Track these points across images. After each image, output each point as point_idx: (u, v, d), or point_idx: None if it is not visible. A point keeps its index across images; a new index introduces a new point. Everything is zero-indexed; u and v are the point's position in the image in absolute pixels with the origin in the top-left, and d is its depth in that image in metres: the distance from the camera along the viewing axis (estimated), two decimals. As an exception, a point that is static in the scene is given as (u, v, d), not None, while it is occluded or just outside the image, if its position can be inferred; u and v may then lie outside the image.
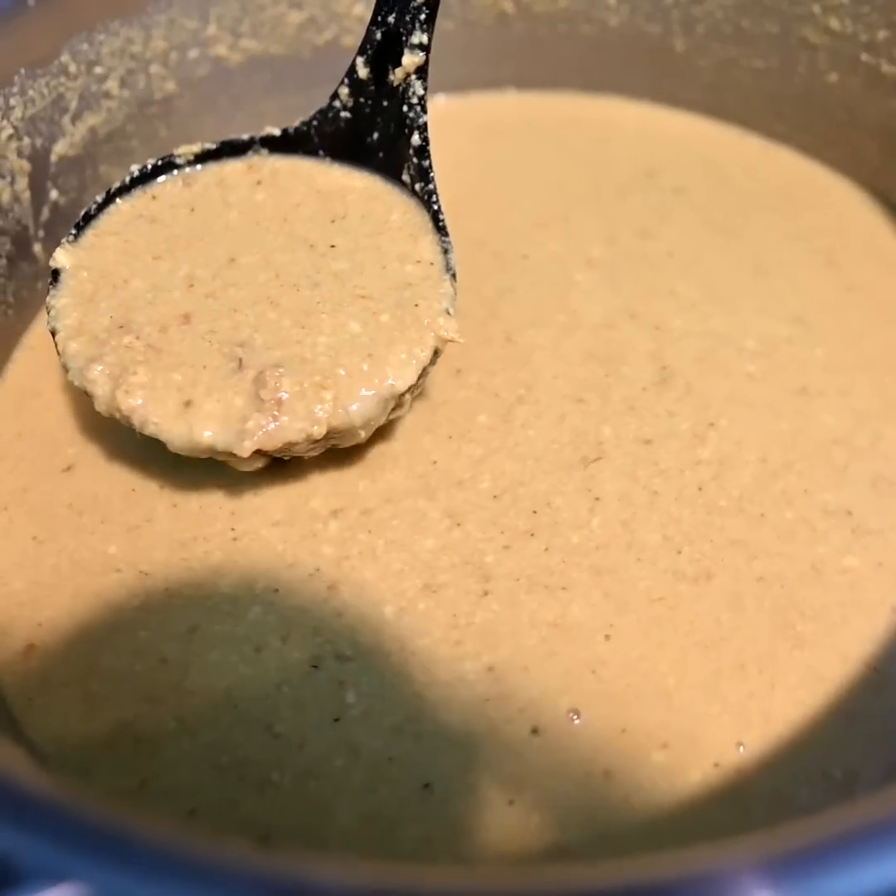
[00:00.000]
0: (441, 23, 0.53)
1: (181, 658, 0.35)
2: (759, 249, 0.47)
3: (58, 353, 0.37)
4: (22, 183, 0.43)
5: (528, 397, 0.42)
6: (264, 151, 0.42)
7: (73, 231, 0.39)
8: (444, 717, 0.34)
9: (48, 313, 0.38)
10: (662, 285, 0.46)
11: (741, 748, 0.33)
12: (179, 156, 0.41)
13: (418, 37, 0.39)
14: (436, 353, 0.37)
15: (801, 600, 0.36)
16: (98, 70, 0.45)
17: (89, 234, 0.40)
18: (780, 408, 0.41)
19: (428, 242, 0.39)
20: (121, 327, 0.37)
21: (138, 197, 0.41)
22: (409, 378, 0.36)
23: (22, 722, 0.34)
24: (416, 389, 0.37)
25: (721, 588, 0.37)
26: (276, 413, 0.34)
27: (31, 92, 0.42)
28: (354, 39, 0.52)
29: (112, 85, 0.46)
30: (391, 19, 0.39)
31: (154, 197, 0.41)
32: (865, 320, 0.44)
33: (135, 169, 0.40)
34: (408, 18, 0.39)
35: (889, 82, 0.47)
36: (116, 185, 0.40)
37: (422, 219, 0.40)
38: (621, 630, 0.36)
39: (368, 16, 0.40)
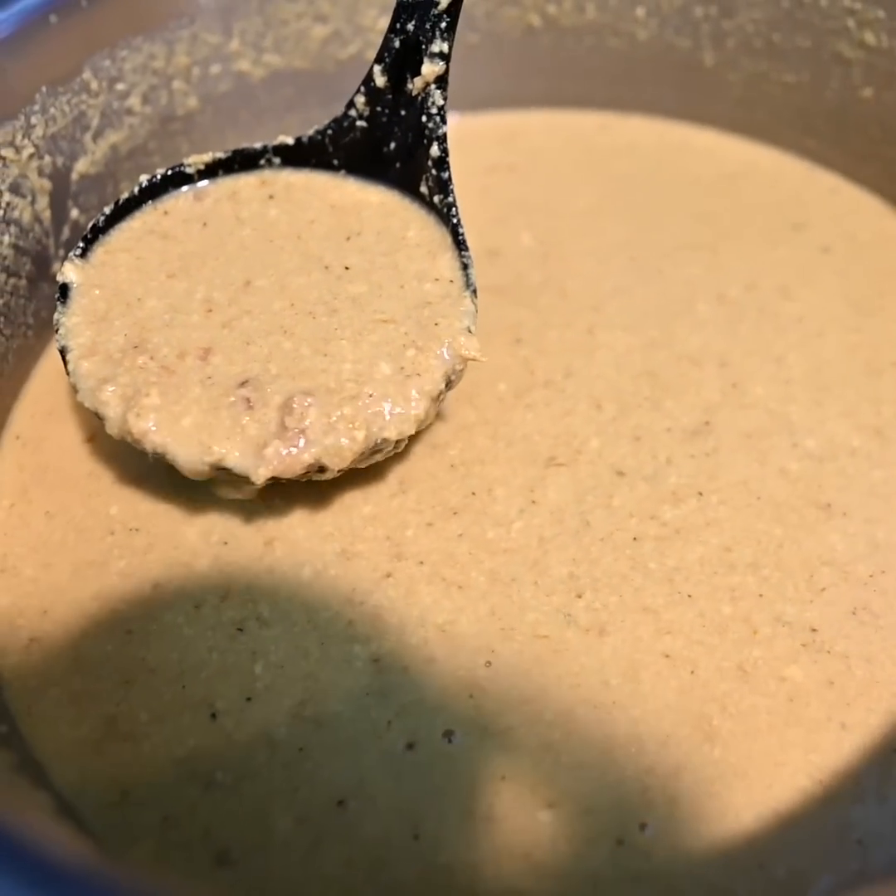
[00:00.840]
0: (465, 36, 0.52)
1: (143, 627, 0.36)
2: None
3: (67, 372, 0.36)
4: (43, 202, 0.43)
5: (557, 384, 0.42)
6: (277, 162, 0.41)
7: (81, 244, 0.39)
8: (333, 707, 0.34)
9: (57, 331, 0.37)
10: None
11: (647, 829, 0.31)
12: (190, 165, 0.41)
13: (438, 45, 0.39)
14: (456, 373, 0.36)
15: (721, 695, 0.34)
16: (120, 87, 0.45)
17: (99, 251, 0.39)
18: (787, 514, 0.38)
19: (447, 259, 0.39)
20: (135, 347, 0.36)
21: (149, 212, 0.40)
22: (430, 406, 0.35)
23: (26, 736, 0.34)
24: (437, 407, 0.36)
25: (615, 650, 0.35)
26: (298, 442, 0.34)
27: (52, 110, 0.42)
28: (379, 54, 0.51)
29: (134, 101, 0.45)
30: (410, 27, 0.39)
31: (166, 212, 0.40)
32: None
33: (144, 179, 0.40)
34: (428, 26, 0.38)
35: (927, 99, 0.46)
36: (125, 195, 0.40)
37: (440, 234, 0.39)
38: (503, 659, 0.35)
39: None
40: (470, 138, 0.54)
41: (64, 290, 0.38)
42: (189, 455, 0.34)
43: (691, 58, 0.52)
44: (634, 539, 0.38)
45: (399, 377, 0.35)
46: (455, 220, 0.39)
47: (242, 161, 0.41)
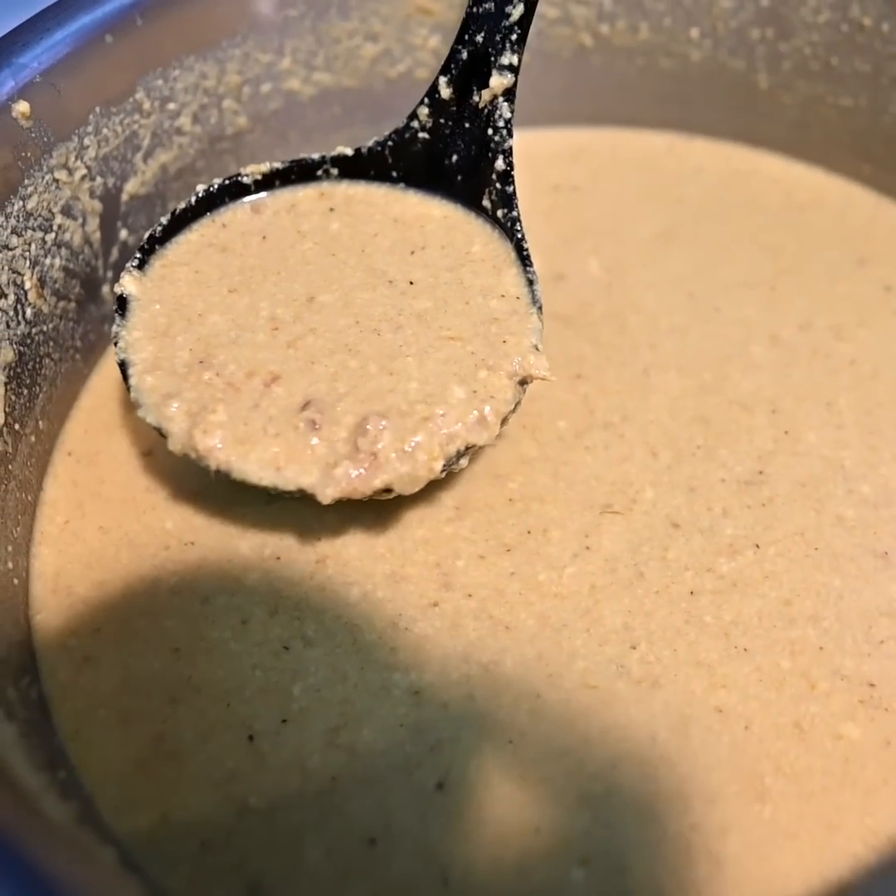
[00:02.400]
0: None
1: (191, 644, 0.36)
2: None
3: (128, 387, 0.36)
4: (93, 224, 0.42)
5: (616, 426, 0.42)
6: (335, 174, 0.41)
7: (138, 255, 0.39)
8: (367, 736, 0.34)
9: (116, 345, 0.37)
10: (825, 394, 0.43)
11: (686, 890, 0.31)
12: (247, 175, 0.40)
13: (508, 58, 0.38)
14: (521, 392, 0.36)
15: (776, 753, 0.33)
16: (171, 106, 0.44)
17: (157, 264, 0.39)
18: (845, 563, 0.38)
19: (512, 275, 0.38)
20: (201, 363, 0.36)
21: (207, 225, 0.40)
22: (495, 425, 0.35)
23: (73, 758, 0.34)
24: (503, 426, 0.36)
25: (666, 703, 0.34)
26: (368, 464, 0.33)
27: (104, 131, 0.42)
28: (428, 72, 0.51)
29: (184, 121, 0.45)
30: (479, 39, 0.38)
31: (224, 225, 0.40)
32: None
33: (200, 189, 0.40)
34: (498, 38, 0.38)
35: None
36: (182, 206, 0.40)
37: (504, 249, 0.39)
38: (547, 706, 0.34)
39: (444, 48, 0.39)
40: (526, 155, 0.53)
41: (122, 303, 0.37)
42: (257, 474, 0.34)
43: (745, 79, 0.51)
44: (691, 592, 0.37)
45: (473, 400, 0.34)
46: (519, 235, 0.38)
47: (299, 172, 0.41)
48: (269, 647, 0.36)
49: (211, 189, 0.40)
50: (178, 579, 0.38)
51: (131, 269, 0.38)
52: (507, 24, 0.37)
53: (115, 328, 0.37)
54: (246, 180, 0.40)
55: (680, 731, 0.34)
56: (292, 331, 0.37)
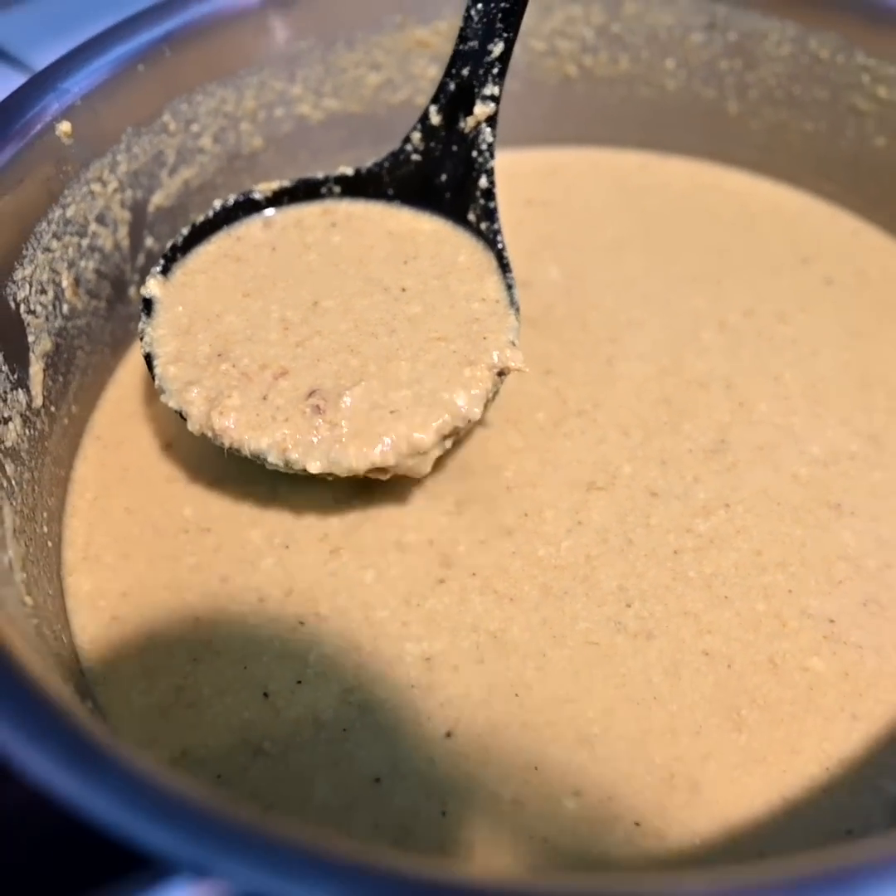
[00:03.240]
0: (508, 83, 0.57)
1: (211, 616, 0.40)
2: (874, 360, 0.48)
3: (153, 376, 0.40)
4: (123, 231, 0.47)
5: (589, 412, 0.46)
6: (337, 191, 0.45)
7: (162, 262, 0.43)
8: (380, 695, 0.37)
9: (142, 339, 0.41)
10: (772, 370, 0.47)
11: (666, 813, 0.34)
12: (258, 191, 0.45)
13: (490, 89, 0.43)
14: (499, 382, 0.40)
15: (752, 688, 0.37)
16: (194, 128, 0.49)
17: (179, 272, 0.44)
18: (804, 514, 0.42)
19: (493, 281, 0.42)
20: (219, 356, 0.40)
21: (223, 238, 0.45)
22: (478, 409, 0.39)
23: (99, 700, 0.38)
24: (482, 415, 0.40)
25: (660, 651, 0.38)
26: (343, 440, 0.37)
27: (135, 149, 0.46)
28: (426, 99, 0.55)
29: (206, 141, 0.50)
30: (465, 72, 0.43)
31: (238, 238, 0.45)
32: None
33: (217, 203, 0.44)
34: (481, 72, 0.43)
35: (935, 148, 0.50)
36: (201, 219, 0.44)
37: (487, 259, 0.43)
38: (553, 663, 0.38)
39: (440, 77, 0.44)
40: (509, 174, 0.58)
41: (147, 304, 0.42)
42: (267, 450, 0.38)
43: (716, 106, 0.56)
44: (675, 552, 0.41)
45: (459, 390, 0.38)
46: (500, 246, 0.43)
47: (306, 189, 0.45)
48: (284, 623, 0.40)
49: (226, 204, 0.44)
50: (197, 560, 0.42)
51: (155, 274, 0.43)
52: (489, 59, 0.42)
53: (141, 325, 0.42)
54: (257, 196, 0.45)
55: (672, 674, 0.38)
56: (300, 332, 0.41)
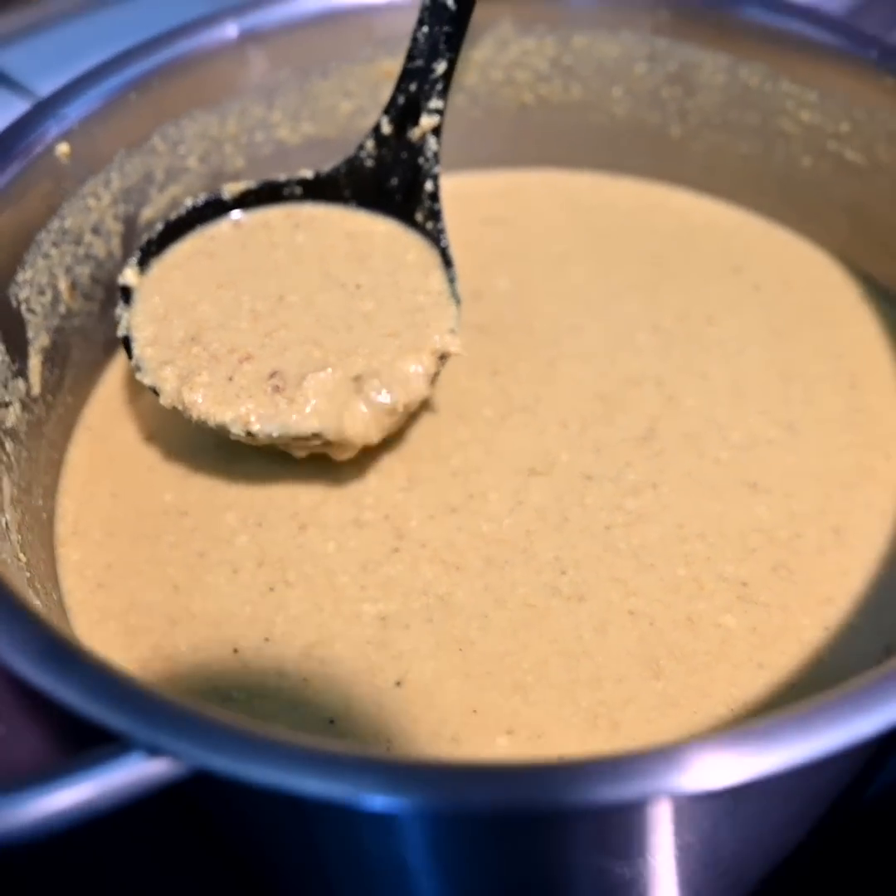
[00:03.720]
0: (471, 111, 0.62)
1: (188, 584, 0.44)
2: (795, 357, 0.53)
3: (129, 356, 0.45)
4: (115, 241, 0.52)
5: (532, 408, 0.50)
6: (299, 193, 0.50)
7: (138, 253, 0.48)
8: (339, 651, 0.42)
9: (119, 324, 0.46)
10: (699, 366, 0.52)
11: (587, 747, 0.38)
12: (227, 191, 0.50)
13: (435, 103, 0.48)
14: (440, 364, 0.45)
15: (671, 642, 0.41)
16: (181, 149, 0.54)
17: (156, 268, 0.48)
18: (723, 492, 0.46)
19: (437, 276, 0.48)
20: (192, 339, 0.45)
21: (197, 237, 0.50)
22: (422, 388, 0.44)
23: None
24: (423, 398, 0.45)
25: (590, 612, 0.42)
26: (300, 410, 0.42)
27: (127, 168, 0.52)
28: (395, 124, 0.61)
29: (192, 162, 0.55)
30: (412, 88, 0.48)
31: (211, 237, 0.50)
32: (854, 442, 0.49)
33: (189, 202, 0.49)
34: (427, 88, 0.48)
35: (852, 167, 0.54)
36: (174, 216, 0.49)
37: (433, 256, 0.48)
38: (494, 623, 0.42)
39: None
40: (470, 194, 0.63)
41: (125, 292, 0.47)
42: (230, 423, 0.43)
43: (660, 130, 0.61)
44: (606, 527, 0.45)
45: (406, 371, 0.43)
46: (444, 244, 0.48)
47: (270, 191, 0.50)
48: (256, 589, 0.44)
49: (197, 203, 0.49)
50: (175, 538, 0.46)
51: (132, 264, 0.47)
52: (434, 77, 0.47)
53: (118, 311, 0.46)
54: (226, 197, 0.49)
55: (600, 631, 0.42)
56: (268, 322, 0.46)
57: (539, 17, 0.58)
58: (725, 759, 0.28)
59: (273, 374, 0.43)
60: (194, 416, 0.43)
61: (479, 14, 0.57)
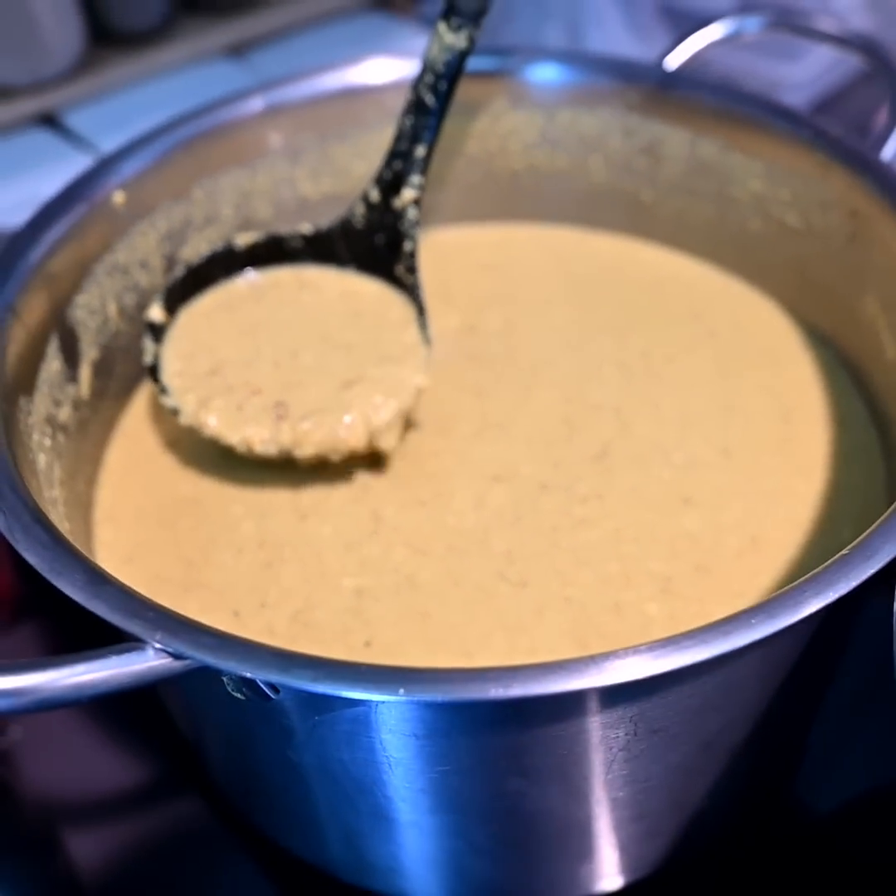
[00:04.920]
0: (470, 174, 0.71)
1: (200, 560, 0.53)
2: (737, 391, 0.60)
3: (154, 381, 0.55)
4: (158, 275, 0.61)
5: (506, 426, 0.58)
6: (300, 245, 0.59)
7: (164, 292, 0.57)
8: (320, 616, 0.49)
9: (145, 356, 0.55)
10: (654, 398, 0.59)
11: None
12: (240, 240, 0.59)
13: (416, 179, 0.57)
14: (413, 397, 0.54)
15: (599, 624, 0.48)
16: (217, 200, 0.64)
17: (183, 315, 0.58)
18: (660, 505, 0.53)
19: (413, 330, 0.56)
20: (214, 373, 0.54)
21: (218, 292, 0.59)
22: (392, 420, 0.53)
23: None
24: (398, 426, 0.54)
25: (531, 596, 0.49)
26: (288, 431, 0.52)
27: (171, 214, 0.61)
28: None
29: (226, 210, 0.64)
30: (397, 165, 0.58)
31: (230, 292, 0.59)
32: (780, 466, 0.55)
33: (206, 251, 0.58)
34: (409, 166, 0.57)
35: (792, 230, 0.62)
36: (195, 262, 0.58)
37: (410, 312, 0.57)
38: (450, 599, 0.49)
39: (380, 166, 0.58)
40: (470, 244, 0.72)
41: (151, 326, 0.56)
42: (238, 444, 0.52)
43: (633, 195, 0.69)
44: (553, 528, 0.53)
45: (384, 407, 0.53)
46: (419, 295, 0.56)
47: (276, 243, 0.59)
48: (257, 565, 0.52)
49: (215, 251, 0.58)
50: (192, 524, 0.54)
51: (158, 300, 0.56)
52: (415, 158, 0.56)
53: (146, 342, 0.55)
54: (239, 245, 0.58)
55: (538, 613, 0.48)
56: (278, 366, 0.55)
57: (528, 96, 0.67)
58: (636, 660, 0.35)
59: (277, 405, 0.53)
60: (208, 434, 0.53)
61: (478, 92, 0.67)
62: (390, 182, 0.58)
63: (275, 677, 0.34)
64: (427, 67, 0.57)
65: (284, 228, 0.61)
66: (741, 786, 0.51)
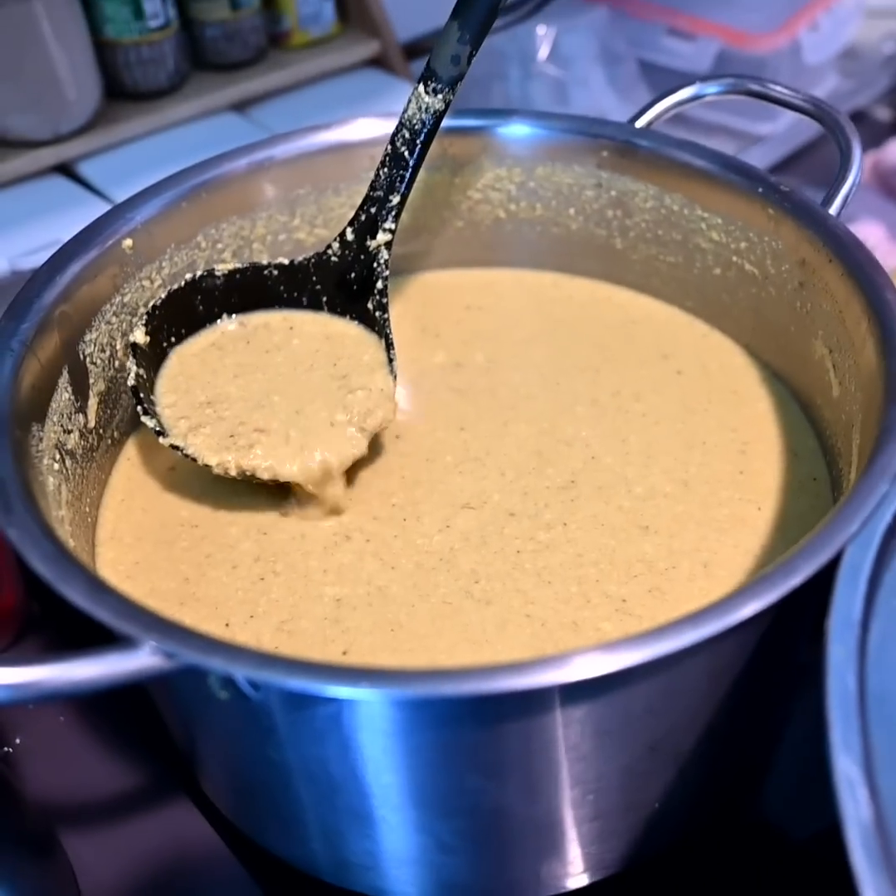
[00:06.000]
0: (455, 222, 0.77)
1: (196, 576, 0.57)
2: (700, 427, 0.64)
3: (137, 402, 0.59)
4: (163, 313, 0.66)
5: (482, 458, 0.62)
6: (276, 274, 0.64)
7: (145, 317, 0.61)
8: (303, 625, 0.53)
9: (128, 377, 0.60)
10: (622, 433, 0.64)
11: None
12: (218, 269, 0.64)
13: (389, 224, 0.62)
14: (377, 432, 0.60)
15: (557, 639, 0.52)
16: (219, 246, 0.69)
17: (174, 357, 0.63)
18: (620, 532, 0.57)
19: (383, 373, 0.61)
20: (208, 404, 0.59)
21: (209, 333, 0.64)
22: (359, 453, 0.59)
23: None
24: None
25: (494, 613, 0.53)
26: (252, 456, 0.57)
27: (175, 258, 0.66)
28: (393, 230, 0.75)
29: (227, 255, 0.70)
30: (372, 210, 0.63)
31: (222, 333, 0.64)
32: (734, 497, 0.59)
33: (188, 276, 0.63)
34: (384, 213, 0.62)
35: (750, 277, 0.67)
36: (175, 287, 0.62)
37: (381, 355, 0.62)
38: (419, 612, 0.54)
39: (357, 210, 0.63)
40: (456, 285, 0.77)
41: (134, 347, 0.60)
42: (215, 466, 0.58)
43: (606, 242, 0.74)
44: (517, 552, 0.57)
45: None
46: (388, 331, 0.62)
47: (254, 271, 0.64)
48: (249, 579, 0.56)
49: (194, 276, 0.63)
50: (189, 543, 0.59)
51: (139, 325, 0.61)
52: (389, 206, 0.61)
53: (128, 364, 0.60)
54: (217, 273, 0.63)
55: (501, 628, 0.53)
56: (261, 403, 0.60)
57: (508, 151, 0.72)
58: (595, 657, 0.39)
59: (258, 431, 0.59)
60: (191, 454, 0.58)
61: (463, 148, 0.73)
62: (365, 225, 0.63)
63: (253, 673, 0.39)
64: (404, 124, 0.62)
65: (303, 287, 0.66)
66: (694, 792, 0.55)
